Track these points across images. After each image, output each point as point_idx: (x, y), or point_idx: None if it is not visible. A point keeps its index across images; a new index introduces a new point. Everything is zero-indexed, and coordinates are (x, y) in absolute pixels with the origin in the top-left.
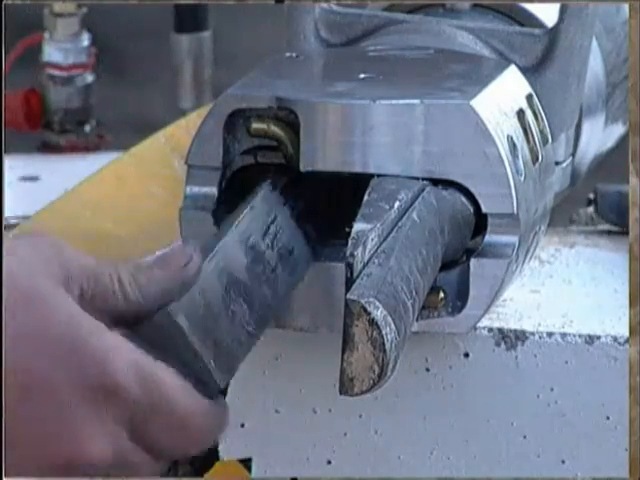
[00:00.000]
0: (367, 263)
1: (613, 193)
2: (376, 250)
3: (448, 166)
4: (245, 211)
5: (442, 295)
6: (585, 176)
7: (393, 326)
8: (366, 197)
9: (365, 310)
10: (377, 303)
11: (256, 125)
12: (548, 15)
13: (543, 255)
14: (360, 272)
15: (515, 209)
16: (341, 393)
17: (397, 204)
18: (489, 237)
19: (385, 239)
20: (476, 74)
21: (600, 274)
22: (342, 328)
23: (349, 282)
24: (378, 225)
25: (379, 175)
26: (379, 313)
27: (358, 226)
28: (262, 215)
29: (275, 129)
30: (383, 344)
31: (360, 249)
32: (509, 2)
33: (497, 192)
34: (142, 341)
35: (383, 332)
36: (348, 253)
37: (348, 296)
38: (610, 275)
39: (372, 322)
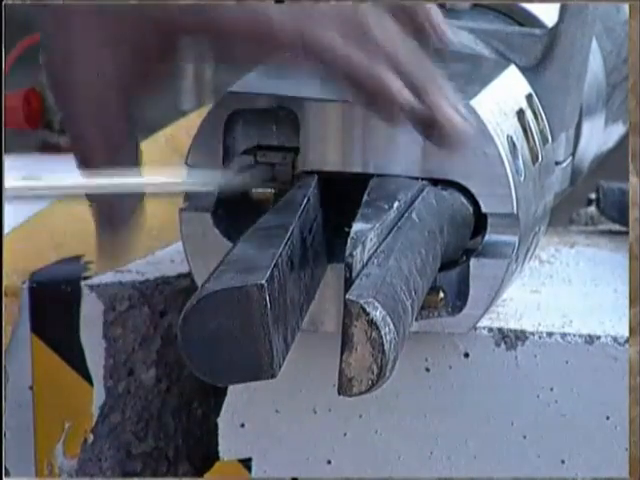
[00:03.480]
0: (366, 263)
1: (616, 190)
2: (375, 250)
3: (448, 166)
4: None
5: (442, 295)
6: (585, 176)
7: (392, 326)
8: (365, 197)
9: (364, 310)
10: (376, 304)
11: (258, 195)
12: (548, 15)
13: (543, 255)
14: (359, 272)
15: (515, 209)
16: (340, 393)
17: (396, 204)
18: (489, 237)
19: (384, 239)
20: (476, 74)
21: (600, 274)
22: (341, 328)
23: (348, 282)
24: (377, 225)
25: (379, 175)
26: (378, 313)
27: (357, 226)
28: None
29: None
30: (382, 344)
31: (359, 249)
32: (509, 2)
33: (497, 192)
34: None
35: (382, 332)
36: (347, 253)
37: (347, 296)
38: (610, 275)
39: (371, 322)
